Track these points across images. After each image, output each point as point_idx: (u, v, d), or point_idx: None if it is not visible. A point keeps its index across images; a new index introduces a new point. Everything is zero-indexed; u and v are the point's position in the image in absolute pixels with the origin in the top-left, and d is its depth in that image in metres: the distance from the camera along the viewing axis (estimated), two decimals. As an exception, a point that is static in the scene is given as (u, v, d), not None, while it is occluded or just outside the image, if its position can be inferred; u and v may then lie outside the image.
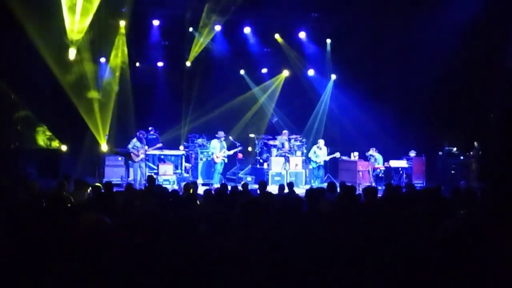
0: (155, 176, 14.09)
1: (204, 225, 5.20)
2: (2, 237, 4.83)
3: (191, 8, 18.75)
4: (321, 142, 18.56)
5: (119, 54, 18.85)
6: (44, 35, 15.89)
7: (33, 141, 17.26)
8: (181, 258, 3.98)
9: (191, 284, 3.85)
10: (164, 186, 12.57)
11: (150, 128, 18.21)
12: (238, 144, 18.07)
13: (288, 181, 14.57)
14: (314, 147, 18.47)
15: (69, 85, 17.17)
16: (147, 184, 15.33)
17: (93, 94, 18.23)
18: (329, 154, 18.47)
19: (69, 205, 7.18)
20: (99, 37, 17.67)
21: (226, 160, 17.38)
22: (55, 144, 17.56)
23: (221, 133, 17.30)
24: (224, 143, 17.34)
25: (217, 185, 15.46)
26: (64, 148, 17.46)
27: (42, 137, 17.50)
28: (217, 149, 17.06)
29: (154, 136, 18.08)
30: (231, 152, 17.53)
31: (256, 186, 15.19)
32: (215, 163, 17.12)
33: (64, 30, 16.68)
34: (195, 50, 19.78)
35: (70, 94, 17.24)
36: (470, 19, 16.68)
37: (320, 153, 18.23)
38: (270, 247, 4.49)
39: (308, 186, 16.51)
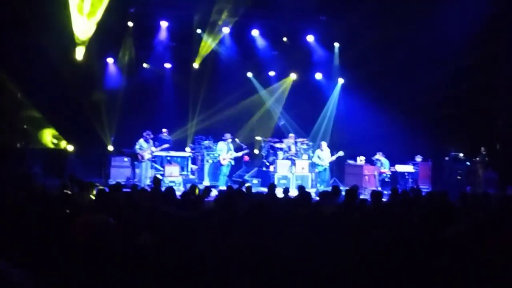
0: (161, 178, 14.10)
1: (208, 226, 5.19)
2: (5, 237, 4.81)
3: (200, 9, 18.77)
4: (323, 144, 18.45)
5: (126, 54, 18.89)
6: (51, 35, 15.92)
7: (39, 140, 17.27)
8: (184, 258, 3.96)
9: (193, 285, 3.82)
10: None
11: (164, 130, 18.23)
12: (244, 146, 18.06)
13: (298, 184, 14.48)
14: (317, 151, 18.37)
15: (76, 85, 17.19)
16: (152, 185, 15.41)
17: (99, 96, 18.27)
18: (333, 155, 18.38)
19: (72, 205, 7.15)
20: (106, 37, 17.70)
21: (233, 162, 17.36)
22: (62, 144, 17.56)
23: (227, 135, 17.29)
24: (231, 145, 17.31)
25: (223, 187, 15.49)
26: (70, 148, 17.48)
27: (49, 137, 17.50)
28: (224, 151, 17.04)
29: (168, 138, 18.09)
30: (239, 154, 17.51)
31: (262, 189, 15.22)
32: (221, 165, 17.10)
33: (72, 30, 16.74)
34: (203, 52, 19.82)
35: (77, 94, 17.28)
36: (476, 24, 16.64)
37: (323, 155, 18.13)
38: (272, 249, 4.46)
39: (314, 190, 16.47)
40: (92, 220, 3.42)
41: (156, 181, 10.72)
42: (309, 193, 9.00)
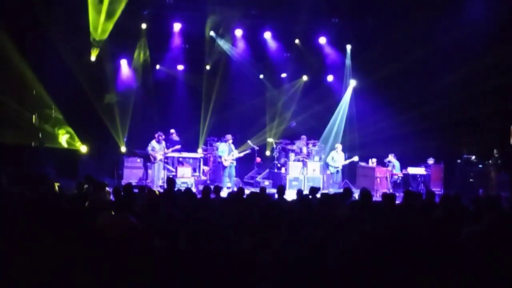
0: (172, 177, 14.14)
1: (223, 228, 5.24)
2: (23, 235, 4.87)
3: (212, 12, 18.82)
4: (339, 146, 18.51)
5: (140, 56, 18.98)
6: (68, 35, 16.00)
7: (55, 140, 17.29)
8: (201, 259, 4.01)
9: (211, 285, 3.87)
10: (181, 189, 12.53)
11: (172, 131, 18.24)
12: (257, 148, 18.15)
13: (311, 186, 14.45)
14: (332, 152, 18.44)
15: (89, 86, 17.28)
16: (164, 186, 15.46)
17: (112, 97, 18.35)
18: (346, 159, 18.43)
19: (88, 205, 7.23)
20: (120, 39, 17.78)
21: (235, 163, 17.33)
22: (76, 144, 17.60)
23: (228, 136, 17.32)
24: (233, 146, 17.32)
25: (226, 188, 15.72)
26: (83, 149, 17.56)
27: (64, 137, 17.53)
28: (226, 153, 17.05)
29: (177, 139, 18.14)
30: (240, 154, 17.47)
31: (273, 191, 15.25)
32: (224, 167, 17.11)
33: (88, 30, 16.80)
34: (216, 54, 19.84)
35: (90, 95, 17.38)
36: (491, 26, 16.58)
37: (338, 157, 18.19)
38: (289, 250, 4.51)
39: (325, 192, 16.48)
40: (116, 218, 3.48)
41: (170, 183, 10.73)
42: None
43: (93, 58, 17.46)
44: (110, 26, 17.01)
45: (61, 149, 17.31)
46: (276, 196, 10.50)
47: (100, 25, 16.92)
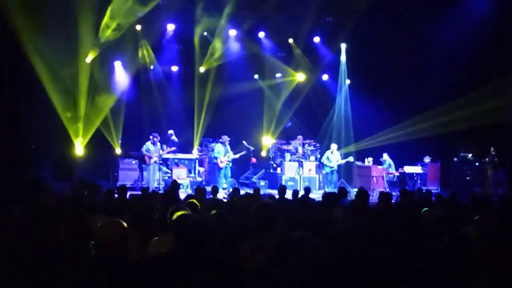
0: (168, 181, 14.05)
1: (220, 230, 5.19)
2: (18, 240, 4.82)
3: (207, 12, 18.73)
4: (334, 146, 18.48)
5: (134, 57, 18.86)
6: (65, 35, 15.83)
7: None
8: (200, 263, 3.96)
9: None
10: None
11: (171, 132, 18.15)
12: (252, 148, 18.10)
13: (304, 186, 14.41)
14: (327, 152, 18.41)
15: (84, 88, 17.12)
16: (160, 188, 15.40)
17: (107, 99, 18.22)
18: (342, 158, 18.41)
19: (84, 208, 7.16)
20: (114, 40, 17.63)
21: (230, 164, 17.22)
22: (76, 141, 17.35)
23: (225, 137, 17.18)
24: (229, 147, 17.22)
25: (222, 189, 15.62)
26: (79, 151, 17.43)
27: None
28: (222, 154, 16.92)
29: (177, 140, 18.07)
30: (236, 156, 17.35)
31: (269, 191, 15.22)
32: (219, 168, 17.00)
33: (89, 31, 16.56)
34: (210, 54, 19.76)
35: (85, 96, 17.22)
36: (488, 27, 16.58)
37: (333, 157, 18.16)
38: (286, 252, 4.46)
39: (321, 192, 16.45)
40: (110, 224, 3.43)
41: (174, 185, 10.58)
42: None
43: (89, 59, 17.20)
44: (125, 27, 16.83)
45: (56, 152, 17.15)
46: (278, 196, 10.40)
47: (113, 25, 16.72)
